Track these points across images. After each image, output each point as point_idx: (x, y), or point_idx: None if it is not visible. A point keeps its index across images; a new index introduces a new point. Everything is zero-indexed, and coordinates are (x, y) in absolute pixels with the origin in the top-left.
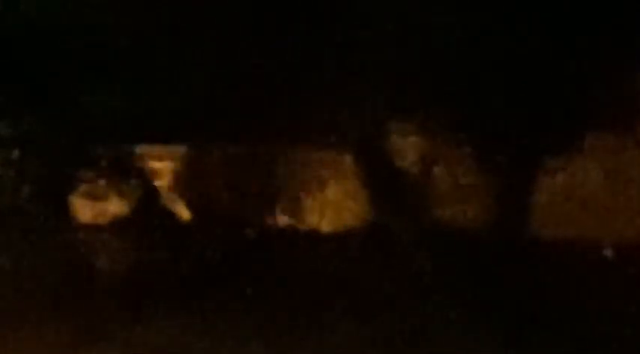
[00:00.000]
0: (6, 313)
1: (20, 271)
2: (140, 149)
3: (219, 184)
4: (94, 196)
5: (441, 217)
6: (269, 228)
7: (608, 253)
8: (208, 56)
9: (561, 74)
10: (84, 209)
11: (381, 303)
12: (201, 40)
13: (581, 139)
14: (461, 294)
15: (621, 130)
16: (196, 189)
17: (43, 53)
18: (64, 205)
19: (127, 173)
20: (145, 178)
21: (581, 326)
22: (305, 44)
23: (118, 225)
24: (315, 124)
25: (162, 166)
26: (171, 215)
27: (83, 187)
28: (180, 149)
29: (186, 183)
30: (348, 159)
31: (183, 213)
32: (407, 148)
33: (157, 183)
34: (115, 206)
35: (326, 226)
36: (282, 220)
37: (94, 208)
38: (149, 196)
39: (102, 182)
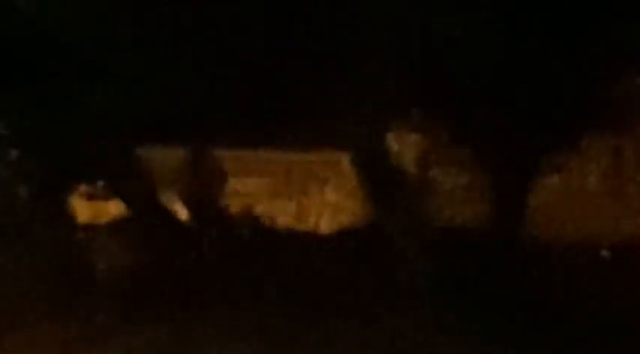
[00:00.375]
0: (5, 313)
1: (19, 271)
2: (139, 150)
3: (219, 184)
4: (92, 197)
5: (439, 218)
6: (268, 228)
7: (605, 253)
8: (209, 57)
9: (560, 75)
10: (83, 209)
11: (380, 303)
12: (201, 41)
13: (580, 139)
14: (460, 294)
15: (619, 131)
16: (195, 189)
17: (42, 53)
18: (63, 205)
19: (126, 173)
20: (144, 179)
21: (579, 326)
22: (304, 45)
23: (116, 225)
24: (315, 125)
25: (161, 166)
26: (170, 215)
27: (82, 188)
28: (179, 150)
29: (185, 183)
30: (347, 159)
31: (182, 213)
32: (406, 148)
33: (156, 183)
34: (114, 206)
35: (325, 227)
36: (281, 220)
37: (93, 208)
38: (148, 196)
39: (101, 182)
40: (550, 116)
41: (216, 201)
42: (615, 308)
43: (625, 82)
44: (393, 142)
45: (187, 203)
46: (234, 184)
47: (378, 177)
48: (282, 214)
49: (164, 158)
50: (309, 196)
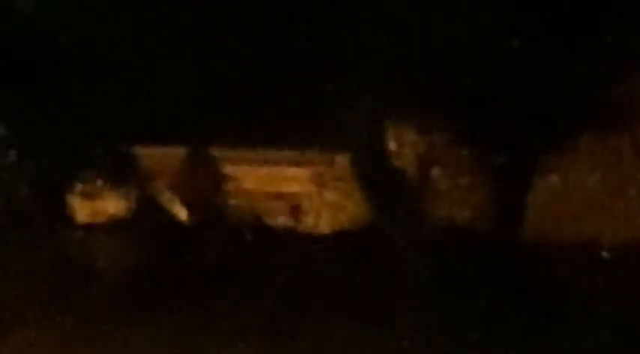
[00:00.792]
0: (4, 313)
1: (18, 272)
2: (138, 149)
3: (218, 184)
4: (91, 196)
5: (439, 218)
6: (267, 229)
7: (605, 253)
8: (208, 57)
9: (559, 74)
10: (81, 209)
11: (380, 303)
12: (200, 41)
13: (580, 139)
14: (459, 295)
15: (619, 131)
16: (195, 189)
17: (40, 53)
18: (62, 205)
19: (125, 173)
20: (143, 179)
21: (579, 326)
22: (303, 45)
23: (115, 225)
24: (314, 125)
25: (160, 166)
26: (170, 216)
27: (81, 187)
28: (178, 149)
29: (184, 183)
30: (346, 159)
31: (182, 213)
32: (405, 148)
33: (155, 183)
34: (113, 206)
35: (324, 227)
36: (280, 220)
37: (92, 208)
38: (147, 196)
39: (100, 182)
40: (550, 116)
41: (215, 201)
42: (615, 308)
43: (625, 82)
44: (392, 141)
45: (186, 203)
46: (233, 183)
47: (378, 177)
48: (282, 214)
49: (163, 158)
50: (308, 196)
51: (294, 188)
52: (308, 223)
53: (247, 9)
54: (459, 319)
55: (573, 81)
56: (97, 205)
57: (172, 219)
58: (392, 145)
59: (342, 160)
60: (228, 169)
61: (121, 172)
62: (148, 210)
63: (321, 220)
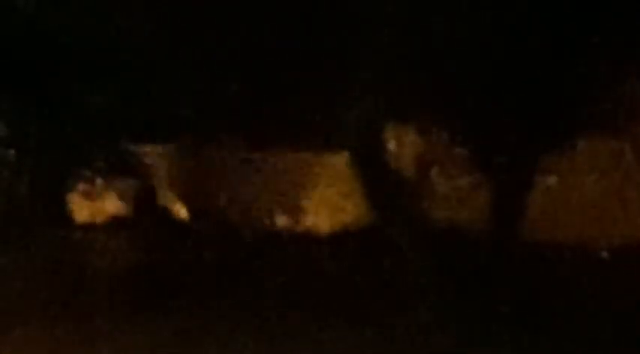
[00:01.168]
0: (3, 312)
1: (17, 271)
2: (138, 148)
3: (217, 184)
4: (91, 195)
5: (438, 218)
6: (266, 229)
7: (605, 254)
8: (207, 56)
9: (559, 74)
10: (81, 208)
11: (380, 303)
12: (200, 40)
13: (578, 140)
14: (458, 295)
15: (618, 132)
16: (194, 189)
17: (39, 52)
18: (61, 204)
19: (124, 172)
20: (143, 178)
21: (578, 327)
22: (302, 45)
23: (115, 224)
24: (312, 125)
25: (160, 165)
26: (169, 215)
27: (80, 186)
28: (178, 149)
29: (184, 183)
30: (345, 159)
31: (181, 213)
32: (404, 148)
33: (155, 182)
34: (113, 205)
35: (323, 228)
36: (280, 221)
37: (91, 207)
38: (147, 195)
39: (99, 181)
40: (550, 116)
41: (215, 200)
42: (615, 309)
43: (625, 82)
44: (391, 141)
45: (186, 203)
46: (233, 183)
47: (377, 177)
48: (281, 214)
49: (163, 157)
50: (308, 196)
51: (293, 188)
52: (307, 223)
53: (247, 9)
54: (459, 319)
55: (573, 81)
56: (97, 205)
57: (172, 218)
58: (391, 145)
59: (341, 161)
60: (228, 168)
61: (121, 172)
62: (148, 209)
63: (320, 221)
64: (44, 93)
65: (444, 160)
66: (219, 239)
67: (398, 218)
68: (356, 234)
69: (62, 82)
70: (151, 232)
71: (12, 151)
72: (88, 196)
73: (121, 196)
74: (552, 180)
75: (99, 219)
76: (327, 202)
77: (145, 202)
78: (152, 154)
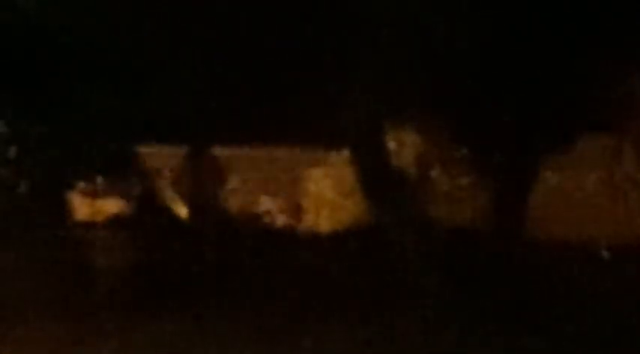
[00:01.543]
0: (4, 311)
1: (18, 269)
2: (138, 148)
3: (218, 182)
4: (92, 195)
5: (438, 217)
6: (267, 227)
7: (605, 253)
8: (208, 57)
9: (559, 74)
10: (82, 207)
11: (380, 302)
12: (200, 41)
13: (578, 140)
14: (458, 295)
15: (618, 131)
16: (194, 188)
17: (41, 53)
18: (62, 203)
19: (125, 172)
20: (143, 177)
21: (578, 327)
22: (303, 45)
23: (115, 223)
24: (313, 125)
25: (160, 165)
26: (170, 214)
27: (81, 186)
28: (178, 148)
29: (184, 182)
30: (346, 158)
31: (182, 212)
32: (405, 147)
33: (155, 182)
34: (113, 204)
35: (324, 225)
36: (281, 218)
37: (92, 206)
38: (147, 194)
39: (100, 181)
40: (550, 116)
41: (215, 199)
42: (615, 308)
43: (624, 83)
44: (392, 141)
45: (187, 202)
46: (233, 182)
47: (377, 176)
48: (282, 213)
49: (164, 157)
50: (308, 195)
51: (294, 187)
52: (308, 222)
53: (247, 9)
54: (459, 319)
55: (573, 81)
56: (98, 204)
57: (173, 217)
58: (392, 145)
59: (342, 160)
60: (229, 167)
61: (122, 171)
62: (148, 208)
63: (321, 220)
64: (45, 93)
65: (445, 159)
66: (220, 238)
67: (398, 217)
68: (356, 233)
69: (63, 82)
70: (152, 231)
71: (13, 151)
72: (89, 195)
73: (122, 196)
74: (553, 180)
75: (100, 218)
76: (328, 200)
77: (145, 202)
78: (153, 154)
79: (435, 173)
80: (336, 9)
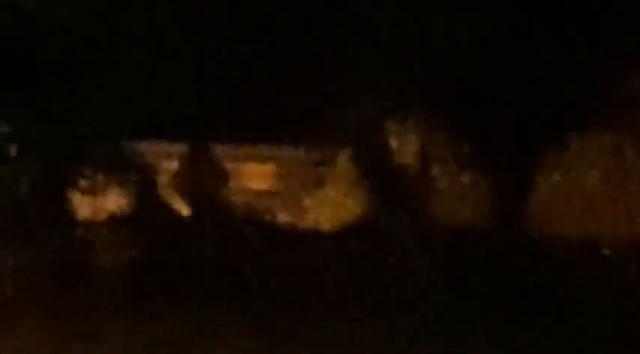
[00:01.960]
0: (5, 309)
1: (19, 267)
2: (139, 146)
3: (219, 181)
4: (92, 192)
5: (439, 216)
6: (269, 225)
7: (606, 251)
8: (208, 56)
9: (559, 73)
10: (82, 205)
11: (381, 301)
12: (200, 40)
13: (579, 137)
14: (460, 294)
15: (619, 129)
16: (195, 186)
17: (41, 52)
18: (63, 201)
19: (125, 170)
20: (144, 175)
21: (578, 327)
22: (305, 44)
23: (116, 221)
24: (316, 123)
25: (161, 162)
26: (170, 212)
27: (82, 184)
28: (178, 146)
29: (185, 180)
30: (347, 157)
31: (182, 210)
32: (406, 146)
33: (156, 180)
34: (114, 202)
35: (325, 224)
36: (282, 217)
37: (93, 204)
38: (148, 192)
39: (100, 178)
40: (551, 115)
41: (216, 198)
42: (617, 307)
43: (625, 82)
44: (393, 139)
45: (188, 200)
46: (234, 181)
47: (379, 174)
48: (283, 211)
49: (165, 155)
50: (310, 194)
51: (295, 186)
52: (309, 220)
53: (248, 9)
54: (459, 319)
55: (573, 80)
56: (98, 202)
57: (173, 216)
58: (393, 143)
59: (344, 158)
60: (230, 166)
61: (122, 169)
62: (148, 206)
63: (322, 218)
64: (46, 91)
65: (446, 157)
66: (220, 236)
67: (399, 215)
68: (357, 230)
69: (64, 80)
70: (153, 229)
71: (14, 149)
72: (89, 193)
73: (123, 193)
74: (554, 178)
75: (101, 216)
76: (330, 198)
77: (146, 200)
78: (153, 152)
79: (435, 171)
80: (337, 8)
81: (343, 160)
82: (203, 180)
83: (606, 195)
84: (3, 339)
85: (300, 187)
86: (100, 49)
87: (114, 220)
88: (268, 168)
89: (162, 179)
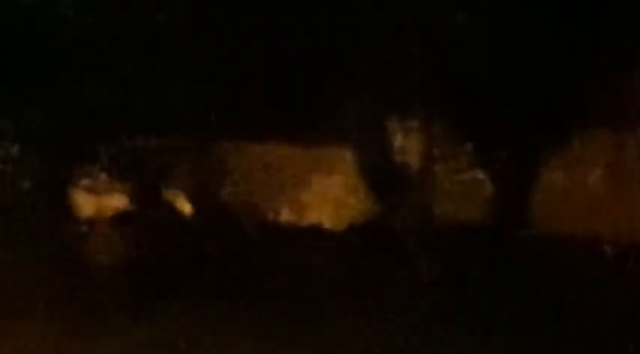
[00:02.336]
0: (6, 308)
1: (21, 266)
2: (141, 144)
3: (221, 179)
4: (95, 191)
5: (441, 214)
6: (270, 224)
7: (608, 250)
8: (209, 53)
9: (561, 72)
10: (85, 204)
11: (382, 301)
12: (201, 37)
13: (580, 136)
14: (461, 291)
15: (620, 127)
16: (197, 184)
17: (43, 49)
18: (65, 199)
19: (128, 168)
20: (146, 173)
21: (578, 327)
22: (307, 41)
23: (119, 220)
24: (316, 121)
25: (163, 160)
26: (173, 210)
27: (84, 182)
28: (182, 144)
29: (187, 178)
30: (349, 155)
31: (185, 208)
32: (408, 144)
33: (159, 178)
34: (116, 201)
35: (327, 223)
36: (284, 216)
37: (95, 202)
38: (150, 191)
39: (103, 177)
40: (552, 113)
41: (218, 196)
42: (618, 306)
43: (626, 79)
44: (395, 137)
45: (190, 198)
46: (236, 179)
47: (381, 173)
48: (285, 210)
49: (167, 152)
50: (311, 192)
51: (297, 183)
52: (311, 219)
53: (250, 8)
54: (459, 319)
55: (575, 79)
56: (101, 200)
57: (174, 214)
58: (395, 141)
59: (345, 157)
60: (232, 164)
61: (125, 167)
62: (151, 205)
63: (324, 216)
64: (48, 90)
65: (448, 155)
66: (222, 235)
67: (402, 213)
68: (359, 229)
69: (66, 78)
70: (155, 227)
71: (16, 147)
72: (92, 191)
73: (126, 192)
74: (555, 176)
75: (103, 214)
76: (332, 197)
77: (148, 198)
78: (156, 150)
79: (438, 169)
80: (339, 8)
81: (346, 157)
82: (207, 178)
83: (608, 194)
84: (3, 339)
85: (300, 186)
86: (102, 47)
87: (115, 219)
88: (271, 165)
89: (165, 178)
